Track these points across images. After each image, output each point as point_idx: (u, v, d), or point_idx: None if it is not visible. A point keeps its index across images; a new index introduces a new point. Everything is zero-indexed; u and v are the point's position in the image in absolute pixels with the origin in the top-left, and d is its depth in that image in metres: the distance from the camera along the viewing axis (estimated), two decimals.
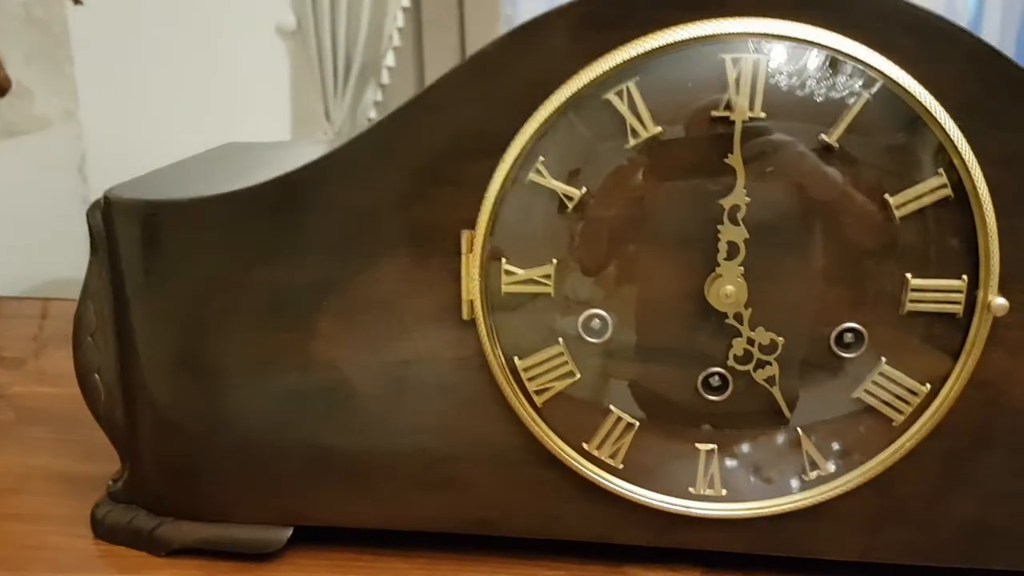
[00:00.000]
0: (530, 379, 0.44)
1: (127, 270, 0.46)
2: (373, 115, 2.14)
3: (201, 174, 0.52)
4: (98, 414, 0.49)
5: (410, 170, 0.43)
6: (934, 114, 0.40)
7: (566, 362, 0.44)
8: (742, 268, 0.42)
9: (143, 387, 0.48)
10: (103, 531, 0.50)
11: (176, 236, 0.45)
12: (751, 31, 0.40)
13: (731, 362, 0.44)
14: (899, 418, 0.43)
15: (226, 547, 0.49)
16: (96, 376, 0.49)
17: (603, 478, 0.46)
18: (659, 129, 0.41)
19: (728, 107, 0.40)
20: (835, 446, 0.44)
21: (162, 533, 0.49)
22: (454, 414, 0.46)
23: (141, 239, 0.46)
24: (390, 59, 2.14)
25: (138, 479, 0.50)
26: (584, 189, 0.42)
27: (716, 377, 0.44)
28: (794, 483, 0.45)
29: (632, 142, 0.41)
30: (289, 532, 0.48)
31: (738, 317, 0.43)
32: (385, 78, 2.14)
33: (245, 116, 1.99)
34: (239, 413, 0.47)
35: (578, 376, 0.44)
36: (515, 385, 0.45)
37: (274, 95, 2.08)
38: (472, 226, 0.43)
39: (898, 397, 0.43)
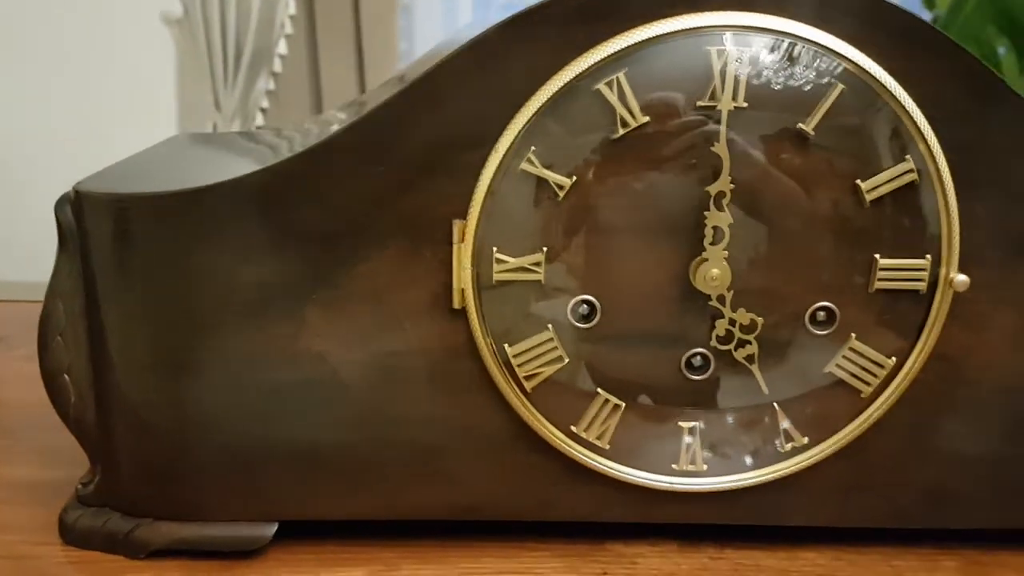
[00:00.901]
0: (520, 365, 0.45)
1: (100, 267, 0.45)
2: (266, 104, 2.09)
3: (169, 166, 0.50)
4: (67, 416, 0.48)
5: (402, 161, 0.43)
6: (903, 103, 0.42)
7: (555, 347, 0.45)
8: (726, 252, 0.44)
9: (117, 387, 0.47)
10: (74, 537, 0.48)
11: (154, 231, 0.44)
12: (735, 24, 0.41)
13: (713, 342, 0.45)
14: (867, 390, 0.46)
15: (208, 546, 0.48)
16: (65, 377, 0.47)
17: (591, 459, 0.47)
18: (647, 119, 0.42)
19: (713, 97, 0.42)
20: (808, 419, 0.47)
21: (140, 535, 0.47)
22: (444, 403, 0.46)
23: (115, 235, 0.44)
24: (282, 47, 2.10)
25: (111, 481, 0.48)
26: (574, 178, 0.43)
27: (698, 357, 0.46)
28: (770, 455, 0.47)
29: (621, 131, 0.42)
30: (274, 528, 0.48)
31: (721, 299, 0.45)
32: (277, 66, 2.10)
33: (129, 107, 1.93)
34: (222, 410, 0.46)
35: (567, 361, 0.45)
36: (505, 372, 0.45)
37: (160, 85, 2.02)
38: (464, 216, 0.43)
39: (866, 370, 0.46)
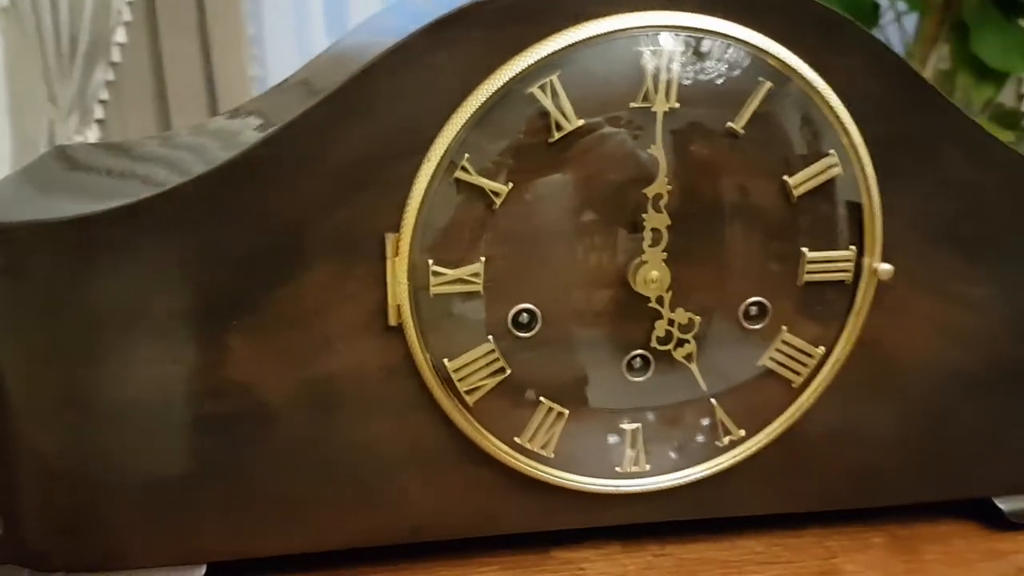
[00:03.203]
0: (460, 380, 0.44)
1: None
2: (105, 96, 1.97)
3: (51, 189, 0.46)
4: None
5: (327, 174, 0.41)
6: (828, 99, 0.43)
7: (497, 359, 0.44)
8: (665, 254, 0.43)
9: (19, 436, 0.42)
10: None
11: (50, 263, 0.40)
12: (664, 24, 0.41)
13: (653, 343, 0.45)
14: (798, 380, 0.47)
15: None
16: None
17: (537, 469, 0.46)
18: (582, 122, 0.41)
19: (646, 99, 0.41)
20: (744, 411, 0.47)
21: None
22: (383, 425, 0.44)
23: (6, 269, 0.40)
24: (121, 35, 1.99)
25: (17, 536, 0.44)
26: (510, 184, 0.42)
27: (638, 359, 0.46)
28: (710, 450, 0.48)
29: (556, 135, 0.41)
30: (202, 571, 0.45)
31: (660, 300, 0.44)
32: (116, 56, 1.98)
33: None
34: (141, 450, 0.43)
35: (509, 372, 0.44)
36: (446, 387, 0.44)
37: None
38: (397, 229, 0.42)
39: (796, 361, 0.47)
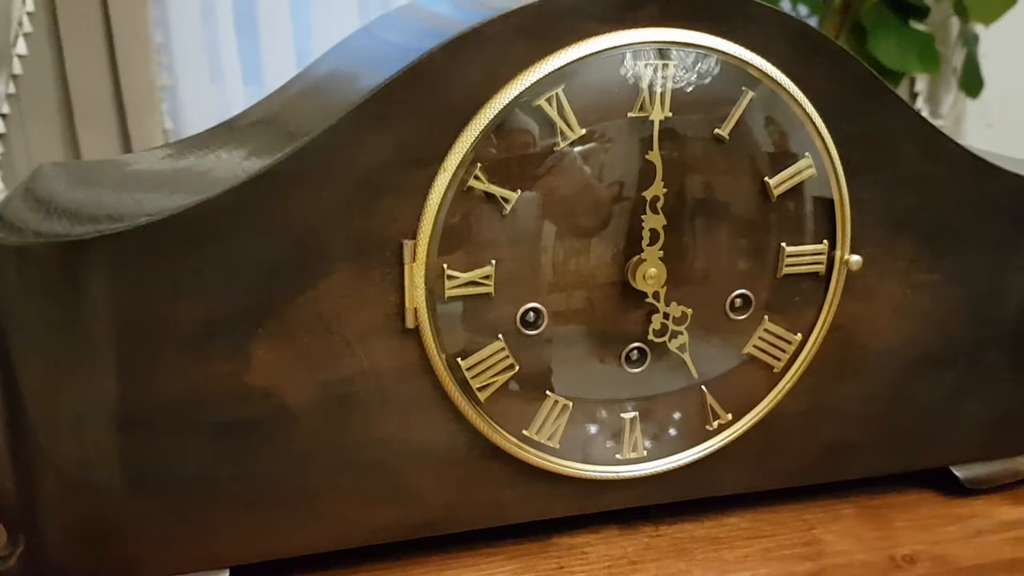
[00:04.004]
0: (473, 377, 0.46)
1: (15, 323, 0.41)
2: (6, 110, 1.91)
3: (65, 203, 0.46)
4: None
5: (348, 184, 0.42)
6: (803, 105, 0.47)
7: (507, 356, 0.46)
8: (661, 252, 0.47)
9: (40, 450, 0.43)
10: None
11: (78, 277, 0.41)
12: (658, 39, 0.44)
13: (650, 336, 0.48)
14: (778, 365, 0.51)
15: None
16: None
17: (543, 459, 0.49)
18: (584, 131, 0.44)
19: (643, 108, 0.45)
20: (730, 396, 0.51)
21: None
22: (400, 423, 0.46)
23: (31, 287, 0.41)
24: (21, 47, 1.93)
25: (39, 550, 0.44)
26: (519, 191, 0.44)
27: (636, 351, 0.49)
28: (700, 433, 0.51)
29: (561, 144, 0.44)
30: (225, 575, 0.46)
31: (656, 295, 0.48)
32: (17, 68, 1.92)
33: None
34: (164, 458, 0.44)
35: (517, 368, 0.47)
36: (459, 385, 0.46)
37: None
38: (413, 235, 0.44)
39: (777, 347, 0.51)
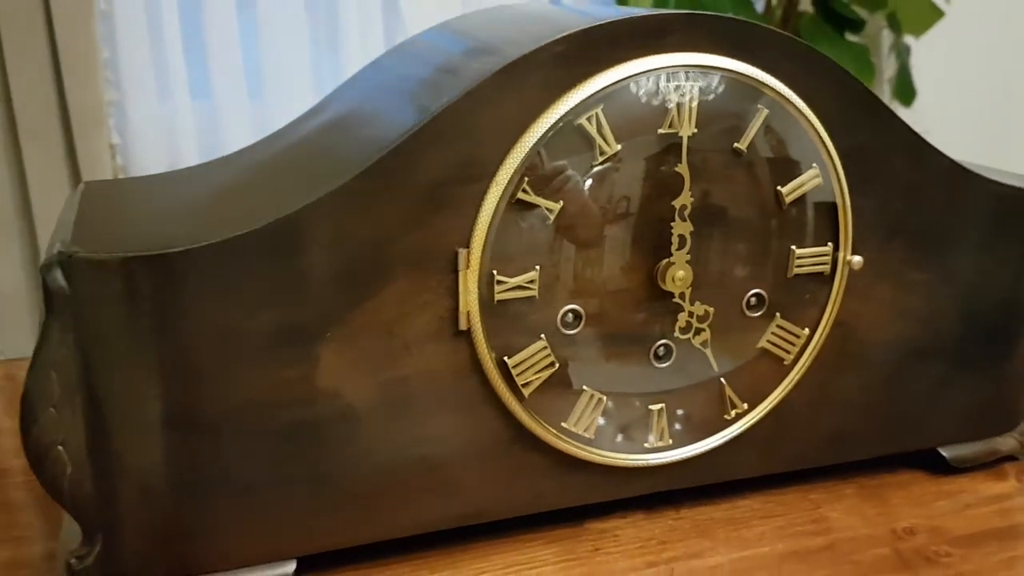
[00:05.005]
0: (519, 375, 0.50)
1: (104, 332, 0.44)
2: None
3: (138, 219, 0.49)
4: (60, 490, 0.45)
5: (410, 199, 0.46)
6: (811, 120, 0.52)
7: (548, 355, 0.50)
8: (688, 255, 0.51)
9: (119, 454, 0.45)
10: None
11: (163, 290, 0.44)
12: (685, 63, 0.49)
13: (676, 333, 0.53)
14: (789, 358, 0.56)
15: None
16: (60, 449, 0.45)
17: (581, 449, 0.53)
18: (620, 147, 0.48)
19: (672, 125, 0.49)
20: (746, 387, 0.56)
21: None
22: (450, 419, 0.50)
23: (121, 297, 0.43)
24: None
25: (116, 549, 0.47)
26: (561, 203, 0.48)
27: (662, 348, 0.53)
28: (720, 422, 0.56)
29: (600, 159, 0.48)
30: (293, 566, 0.49)
31: (683, 296, 0.52)
32: None
33: None
34: (235, 460, 0.47)
35: (557, 366, 0.51)
36: (506, 383, 0.50)
37: None
38: (467, 244, 0.47)
39: (787, 341, 0.55)
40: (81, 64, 1.96)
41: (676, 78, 0.49)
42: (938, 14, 1.79)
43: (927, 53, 1.90)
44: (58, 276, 0.43)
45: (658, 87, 0.48)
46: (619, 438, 0.54)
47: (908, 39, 1.87)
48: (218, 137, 1.60)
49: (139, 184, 0.58)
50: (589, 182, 0.49)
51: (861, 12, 1.75)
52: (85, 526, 0.47)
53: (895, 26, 1.81)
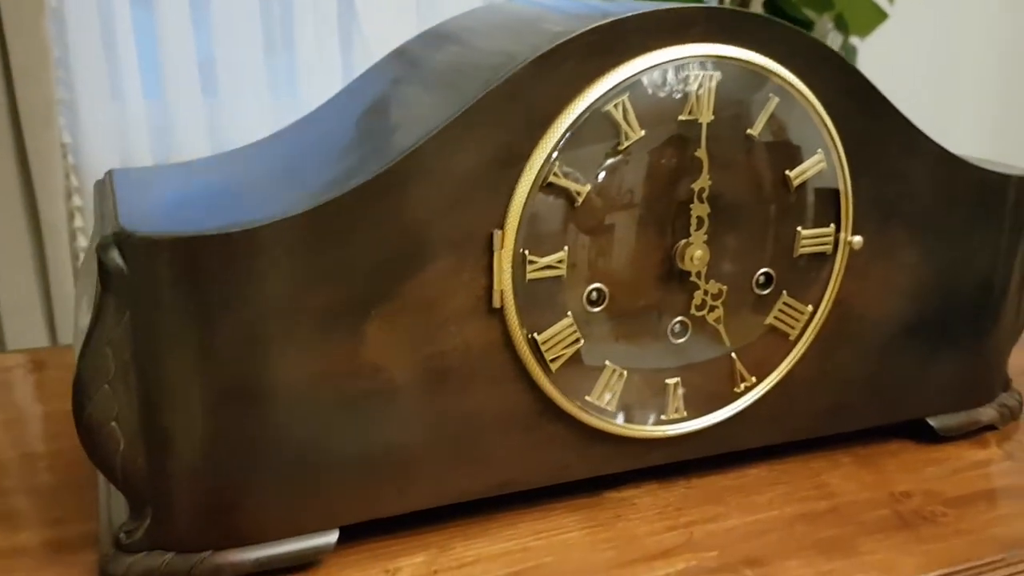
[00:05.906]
0: (547, 350, 0.53)
1: (162, 311, 0.45)
2: None
3: (193, 200, 0.51)
4: (112, 465, 0.47)
5: (450, 183, 0.48)
6: (817, 109, 0.55)
7: (575, 331, 0.53)
8: (706, 236, 0.54)
9: (175, 427, 0.47)
10: None
11: (221, 269, 0.45)
12: (704, 54, 0.52)
13: (692, 311, 0.56)
14: (793, 333, 0.59)
15: (277, 565, 0.50)
16: (114, 424, 0.46)
17: (604, 420, 0.55)
18: (643, 132, 0.51)
19: (691, 112, 0.52)
20: (754, 362, 0.59)
21: (205, 568, 0.48)
22: (483, 393, 0.52)
23: (178, 277, 0.45)
24: None
25: (165, 522, 0.48)
26: (589, 186, 0.51)
27: (679, 325, 0.56)
28: (730, 395, 0.59)
29: (625, 144, 0.51)
30: (336, 535, 0.51)
31: (699, 275, 0.55)
32: None
33: None
34: (285, 431, 0.49)
35: (583, 342, 0.54)
36: (535, 358, 0.52)
37: None
38: (502, 226, 0.50)
39: (792, 318, 0.59)
40: (31, 62, 1.93)
41: (697, 67, 0.52)
42: (882, 16, 1.85)
43: (872, 53, 1.97)
44: (115, 256, 0.45)
45: (679, 76, 0.51)
46: (638, 411, 0.56)
47: (854, 40, 1.93)
48: (171, 136, 1.58)
49: (169, 172, 0.59)
50: (614, 166, 0.51)
51: (810, 13, 1.81)
52: (134, 501, 0.49)
53: (842, 27, 1.87)
